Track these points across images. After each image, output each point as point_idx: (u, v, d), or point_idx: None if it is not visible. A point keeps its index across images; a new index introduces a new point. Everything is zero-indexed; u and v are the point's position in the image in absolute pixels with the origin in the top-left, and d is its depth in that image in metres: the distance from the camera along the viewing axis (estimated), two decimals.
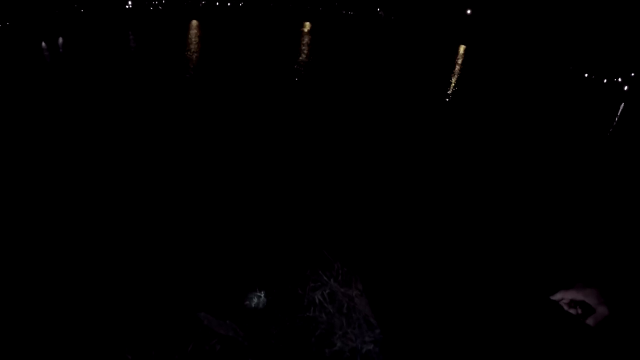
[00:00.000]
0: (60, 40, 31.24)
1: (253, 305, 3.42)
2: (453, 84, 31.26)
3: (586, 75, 52.10)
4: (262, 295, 3.40)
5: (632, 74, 48.88)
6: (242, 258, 5.98)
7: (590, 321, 1.26)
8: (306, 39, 45.10)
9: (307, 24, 59.80)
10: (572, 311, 1.30)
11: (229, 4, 63.11)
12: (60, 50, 28.30)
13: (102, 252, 6.66)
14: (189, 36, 38.58)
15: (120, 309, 5.28)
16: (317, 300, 3.16)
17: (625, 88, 46.99)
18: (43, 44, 28.95)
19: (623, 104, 40.76)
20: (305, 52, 36.17)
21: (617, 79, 49.88)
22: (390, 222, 8.59)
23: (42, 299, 5.55)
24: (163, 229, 7.42)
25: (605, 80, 50.26)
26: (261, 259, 5.55)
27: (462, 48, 57.47)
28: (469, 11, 67.16)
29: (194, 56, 28.49)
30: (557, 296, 1.34)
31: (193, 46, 32.71)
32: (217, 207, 8.48)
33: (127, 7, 49.39)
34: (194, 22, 48.88)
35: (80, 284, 5.85)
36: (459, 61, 46.14)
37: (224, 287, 4.87)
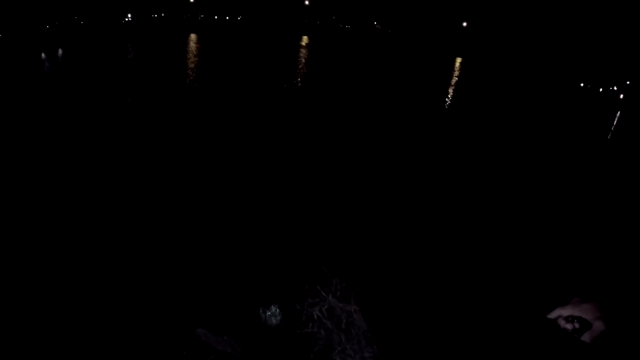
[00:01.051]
0: (60, 51, 31.47)
1: (268, 320, 3.37)
2: (450, 96, 31.50)
3: (582, 84, 52.58)
4: (276, 309, 3.35)
5: (628, 83, 49.35)
6: (240, 273, 5.94)
7: (586, 336, 1.26)
8: (304, 53, 45.54)
9: (305, 37, 60.42)
10: (568, 326, 1.30)
11: (227, 18, 63.79)
12: (60, 61, 28.49)
13: (99, 265, 6.61)
14: (188, 50, 38.91)
15: (117, 324, 5.22)
16: (315, 316, 3.14)
17: (621, 96, 47.38)
18: (43, 55, 29.15)
19: (619, 112, 41.08)
20: (303, 65, 36.48)
21: (613, 87, 50.34)
22: (387, 237, 8.57)
23: (40, 307, 5.50)
24: (160, 243, 7.39)
25: (601, 89, 50.71)
26: (259, 274, 5.51)
27: (458, 60, 58.06)
28: (464, 24, 68.02)
29: (192, 69, 28.70)
30: (554, 314, 1.33)
31: (191, 60, 32.98)
32: (214, 221, 8.45)
33: (126, 20, 49.89)
34: (193, 36, 49.34)
35: (76, 297, 5.79)
36: (456, 73, 46.57)
37: (222, 302, 4.84)
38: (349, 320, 3.06)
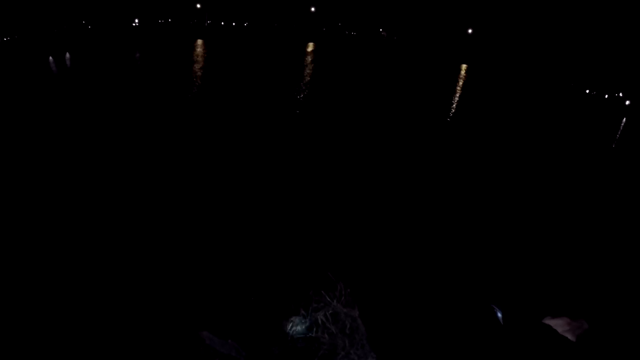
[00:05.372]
0: (68, 55, 31.83)
1: (296, 328, 3.37)
2: (456, 102, 31.49)
3: (587, 91, 52.32)
4: (306, 318, 3.34)
5: (634, 89, 49.04)
6: (245, 278, 5.97)
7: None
8: (310, 59, 45.73)
9: (311, 44, 60.65)
10: None
11: (233, 24, 64.26)
12: (68, 65, 28.81)
13: (103, 268, 6.66)
14: (194, 55, 39.22)
15: (122, 326, 5.25)
16: (320, 321, 3.16)
17: (627, 103, 47.07)
18: (50, 58, 29.49)
19: (625, 118, 40.83)
20: (309, 71, 36.64)
21: (619, 94, 50.05)
22: (390, 244, 8.56)
23: (42, 309, 5.54)
24: (166, 248, 7.43)
25: (606, 96, 50.43)
26: (264, 279, 5.54)
27: (464, 67, 58.02)
28: (470, 30, 68.09)
29: (199, 76, 28.91)
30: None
31: (198, 65, 33.23)
32: (220, 226, 8.49)
33: (133, 24, 50.44)
34: (199, 41, 49.74)
35: (80, 299, 5.83)
36: (461, 80, 46.56)
37: (227, 306, 4.86)
38: (353, 325, 3.07)
